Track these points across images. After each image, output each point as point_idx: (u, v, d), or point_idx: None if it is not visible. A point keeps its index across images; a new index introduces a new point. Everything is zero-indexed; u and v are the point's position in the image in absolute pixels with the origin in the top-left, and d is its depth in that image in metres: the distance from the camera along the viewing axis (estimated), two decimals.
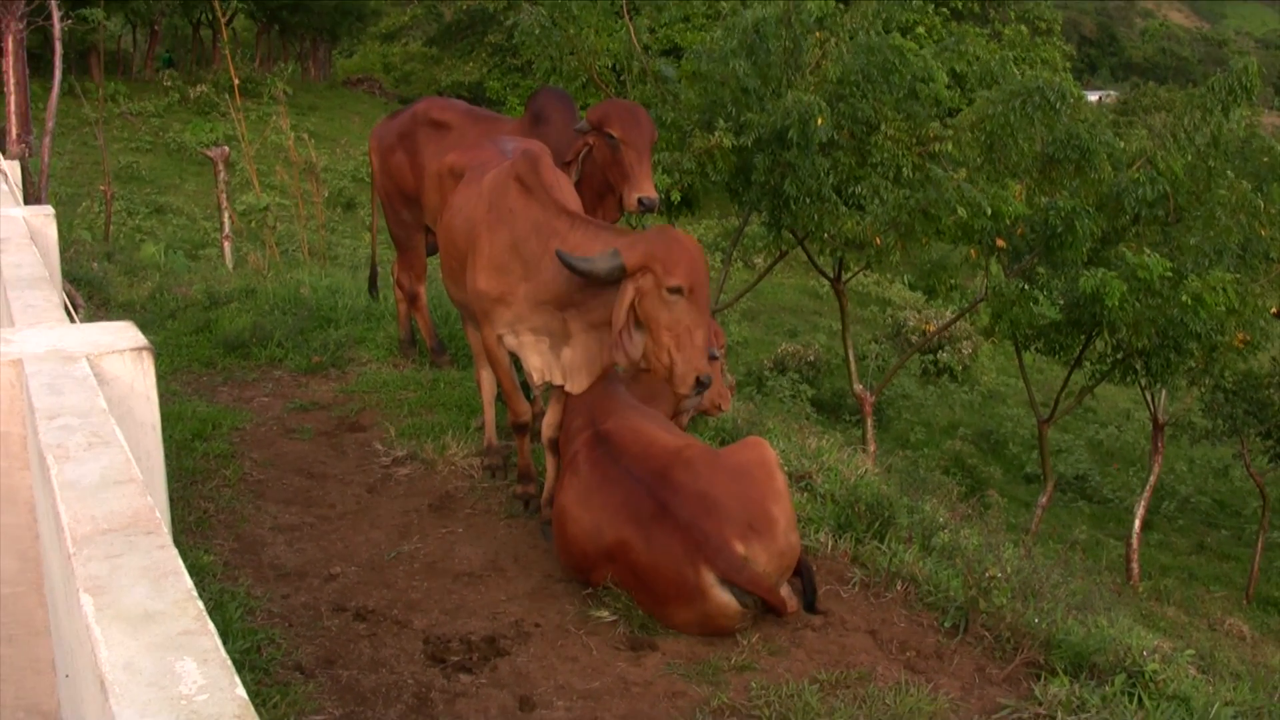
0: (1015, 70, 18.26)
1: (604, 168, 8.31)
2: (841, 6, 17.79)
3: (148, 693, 1.73)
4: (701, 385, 6.00)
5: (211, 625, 1.96)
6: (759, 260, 29.97)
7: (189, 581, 2.13)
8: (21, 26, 12.95)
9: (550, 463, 7.15)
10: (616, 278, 6.02)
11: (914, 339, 28.33)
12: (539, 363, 6.85)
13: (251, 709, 1.65)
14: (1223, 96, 17.60)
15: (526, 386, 7.53)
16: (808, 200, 16.32)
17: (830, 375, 27.33)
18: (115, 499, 2.53)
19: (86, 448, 2.88)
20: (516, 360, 7.12)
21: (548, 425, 7.14)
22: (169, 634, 1.93)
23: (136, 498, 2.55)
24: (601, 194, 8.51)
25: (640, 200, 8.08)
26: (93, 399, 3.31)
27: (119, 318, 7.33)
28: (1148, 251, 16.53)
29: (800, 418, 14.22)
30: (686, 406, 7.59)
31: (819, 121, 15.51)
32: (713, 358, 7.49)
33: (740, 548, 5.76)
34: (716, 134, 16.31)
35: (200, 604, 2.03)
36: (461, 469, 7.97)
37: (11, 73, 12.99)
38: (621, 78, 19.95)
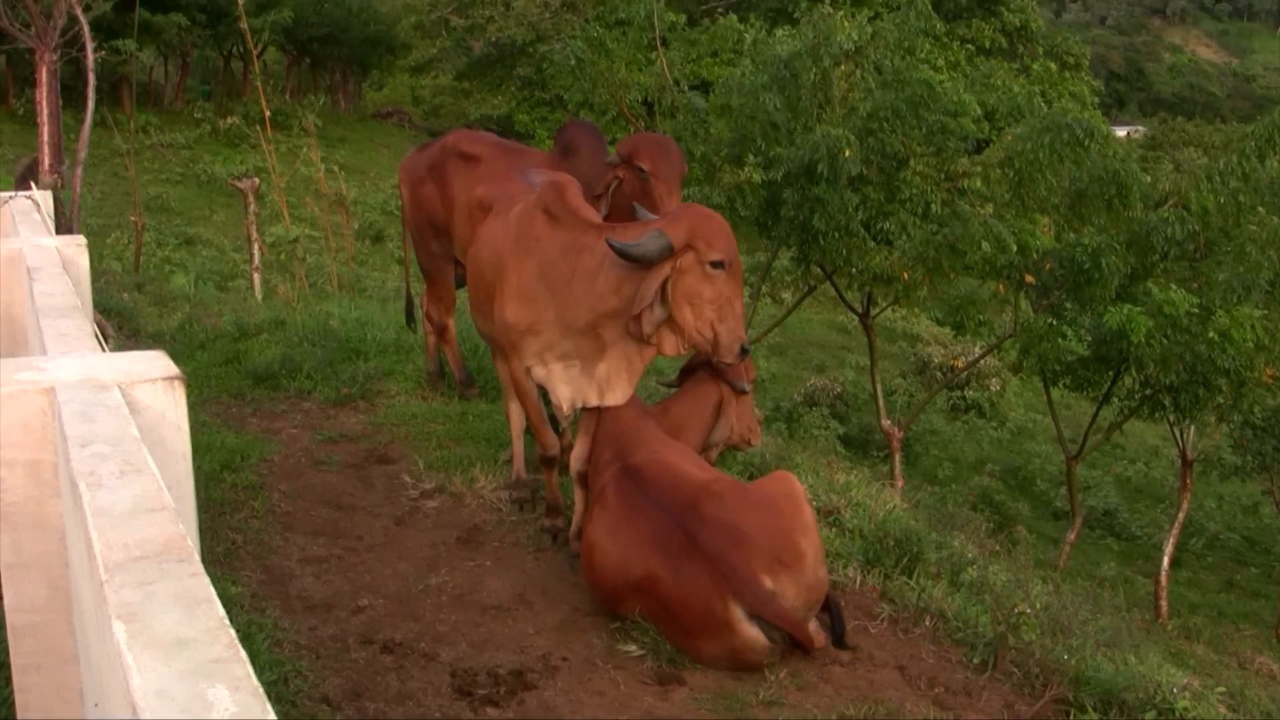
0: (1042, 103, 18.26)
1: (633, 200, 8.02)
2: (869, 37, 17.79)
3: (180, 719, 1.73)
4: (745, 352, 6.20)
5: (243, 653, 1.96)
6: (787, 295, 29.95)
7: (221, 609, 2.13)
8: (55, 58, 13.01)
9: (579, 495, 7.14)
10: (666, 256, 6.12)
11: (941, 375, 28.29)
12: (568, 392, 6.86)
13: None
14: (1261, 143, 17.55)
15: (555, 420, 7.53)
16: (836, 235, 16.33)
17: (858, 410, 27.28)
18: (147, 526, 2.53)
19: (119, 475, 2.89)
20: (544, 393, 7.13)
21: (575, 459, 7.13)
22: (201, 661, 1.92)
23: (168, 525, 2.55)
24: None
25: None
26: (125, 427, 3.31)
27: (149, 348, 7.35)
28: (1174, 288, 16.49)
29: (828, 453, 14.17)
30: (716, 440, 7.58)
31: (847, 154, 15.52)
32: (743, 391, 7.51)
33: (768, 581, 5.75)
34: (746, 169, 16.33)
35: (232, 631, 2.03)
36: (489, 502, 7.96)
37: (45, 103, 13.06)
38: (652, 111, 20.01)
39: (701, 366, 7.61)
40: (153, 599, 2.17)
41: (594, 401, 6.82)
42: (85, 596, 2.85)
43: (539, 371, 6.86)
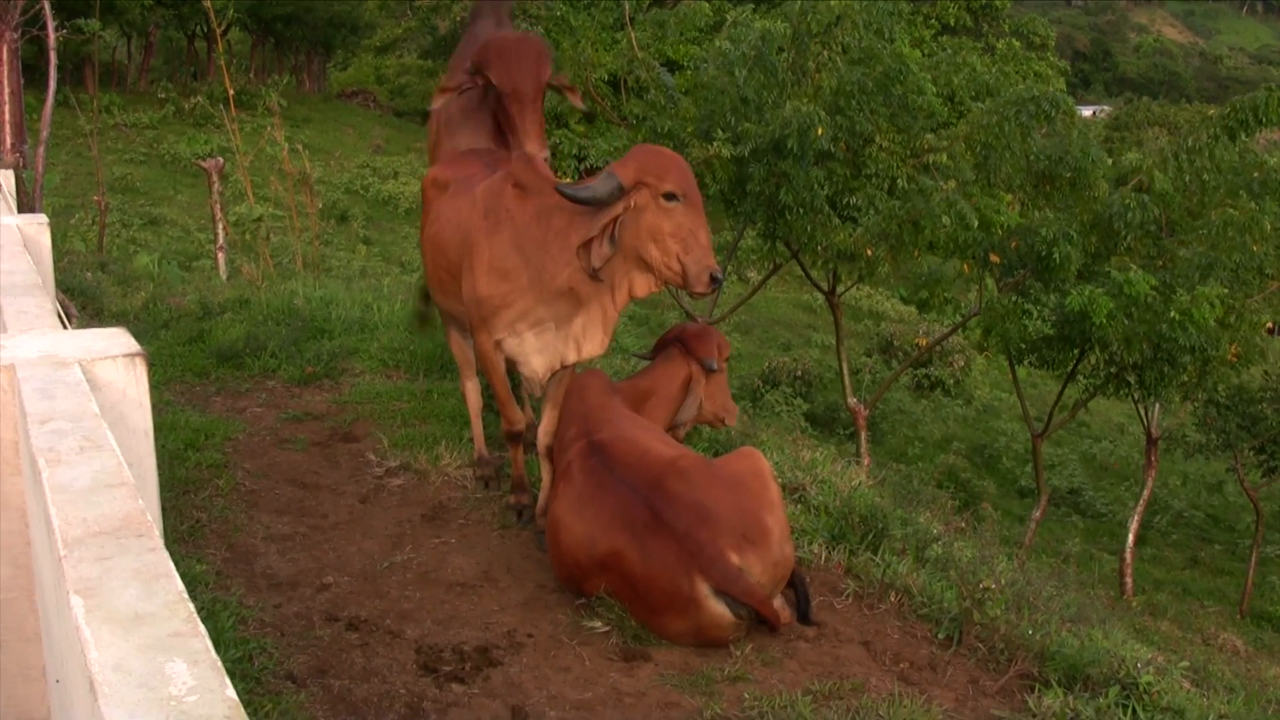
0: (1014, 81, 18.35)
1: (496, 118, 7.76)
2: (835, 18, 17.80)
3: (137, 694, 1.72)
4: (715, 281, 6.10)
5: (202, 627, 1.95)
6: (753, 274, 29.99)
7: (180, 584, 2.12)
8: (16, 36, 12.93)
9: (546, 471, 7.14)
10: (617, 197, 6.14)
11: (908, 352, 28.38)
12: (541, 361, 6.86)
13: (242, 710, 1.64)
14: (1234, 123, 17.60)
15: (519, 397, 7.52)
16: (801, 211, 16.34)
17: (824, 389, 27.34)
18: (106, 502, 2.52)
19: (78, 451, 2.87)
20: (511, 371, 7.12)
21: (543, 433, 7.13)
22: (159, 635, 1.92)
23: (128, 501, 2.54)
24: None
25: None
26: (85, 404, 3.30)
27: (112, 327, 7.32)
28: (1134, 268, 16.56)
29: (794, 430, 14.20)
30: (684, 419, 7.55)
31: (820, 131, 15.52)
32: (710, 369, 7.49)
33: (735, 558, 5.75)
34: (715, 144, 16.33)
35: (191, 606, 2.03)
36: (455, 479, 7.96)
37: (6, 82, 12.97)
38: (619, 89, 20.00)
39: (673, 342, 7.60)
40: (111, 574, 2.16)
41: (571, 358, 6.82)
42: (45, 573, 2.84)
43: (510, 343, 6.84)
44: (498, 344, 6.89)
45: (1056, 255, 15.92)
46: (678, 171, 6.16)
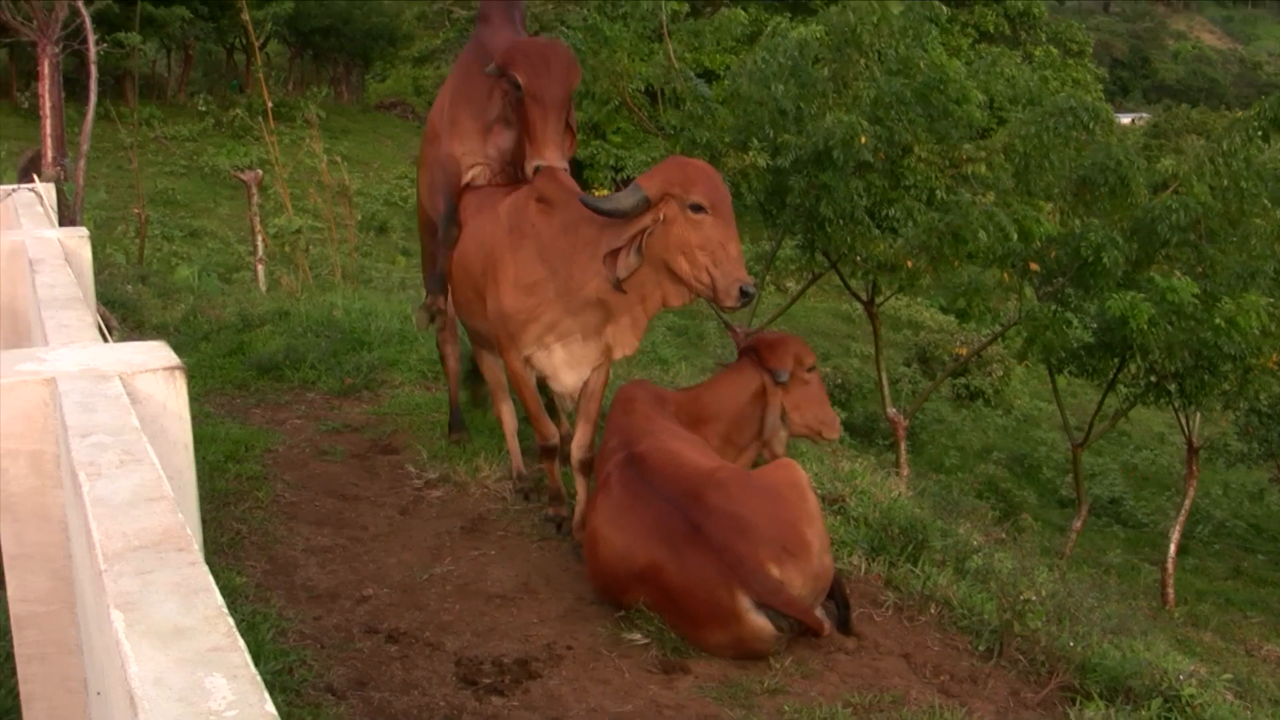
0: (1054, 88, 18.28)
1: (517, 121, 7.42)
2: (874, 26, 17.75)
3: (177, 708, 1.73)
4: (746, 295, 6.06)
5: (241, 642, 1.95)
6: (791, 284, 29.94)
7: (219, 598, 2.12)
8: (57, 50, 13.01)
9: (581, 485, 7.14)
10: (642, 210, 6.14)
11: (946, 361, 28.29)
12: (572, 375, 6.86)
13: None
14: (1264, 123, 17.49)
15: (554, 410, 7.52)
16: (842, 222, 16.31)
17: (862, 399, 27.27)
18: (146, 516, 2.53)
19: (118, 465, 2.88)
20: (542, 386, 7.13)
21: (577, 446, 7.12)
22: (199, 650, 1.92)
23: (167, 515, 2.55)
24: None
25: (537, 169, 7.06)
26: (125, 417, 3.31)
27: (152, 339, 7.34)
28: (1177, 274, 16.47)
29: (832, 441, 14.16)
30: (767, 435, 7.40)
31: (863, 140, 15.50)
32: (780, 381, 7.34)
33: (775, 570, 5.73)
34: (751, 154, 16.31)
35: (230, 621, 2.03)
36: (493, 491, 7.97)
37: (47, 96, 13.06)
38: (655, 99, 20.01)
39: (747, 352, 7.50)
40: (151, 588, 2.16)
41: (601, 360, 6.83)
42: (85, 586, 2.85)
43: (540, 357, 6.84)
44: (527, 360, 6.88)
45: (1105, 259, 15.82)
46: (705, 182, 6.14)
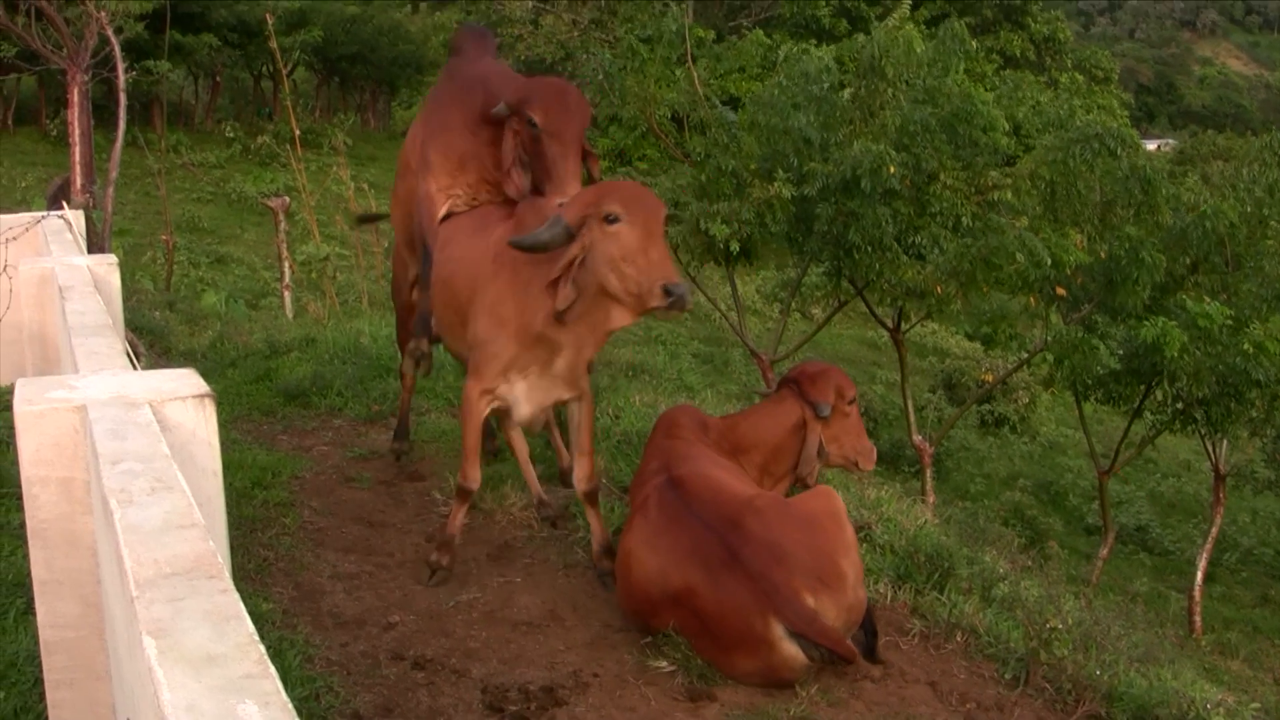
0: (1081, 115, 18.24)
1: (530, 159, 7.34)
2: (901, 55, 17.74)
3: None
4: (671, 294, 5.93)
5: (273, 669, 1.96)
6: (816, 311, 29.95)
7: (250, 625, 2.14)
8: (87, 78, 13.09)
9: (592, 516, 7.11)
10: (564, 240, 6.16)
11: (972, 388, 28.23)
12: (527, 409, 6.87)
13: None
14: None
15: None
16: (870, 249, 16.31)
17: (888, 425, 27.22)
18: (177, 543, 2.54)
19: (149, 492, 2.90)
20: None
21: (579, 479, 7.08)
22: (231, 677, 1.93)
23: (198, 542, 2.56)
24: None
25: (562, 205, 6.88)
26: (155, 444, 3.33)
27: (180, 366, 7.36)
28: (1207, 300, 16.44)
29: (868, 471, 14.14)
30: (805, 471, 7.36)
31: (891, 170, 15.51)
32: (822, 415, 7.33)
33: (810, 600, 5.72)
34: (775, 184, 16.32)
35: (262, 648, 2.04)
36: (519, 519, 7.96)
37: (77, 124, 13.13)
38: (681, 126, 20.05)
39: (788, 383, 7.48)
40: (183, 615, 2.18)
41: (565, 395, 6.85)
42: (116, 612, 2.87)
43: (503, 390, 6.83)
44: (488, 392, 6.86)
45: (1145, 258, 15.75)
46: (618, 194, 6.14)
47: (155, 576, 2.35)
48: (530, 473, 8.06)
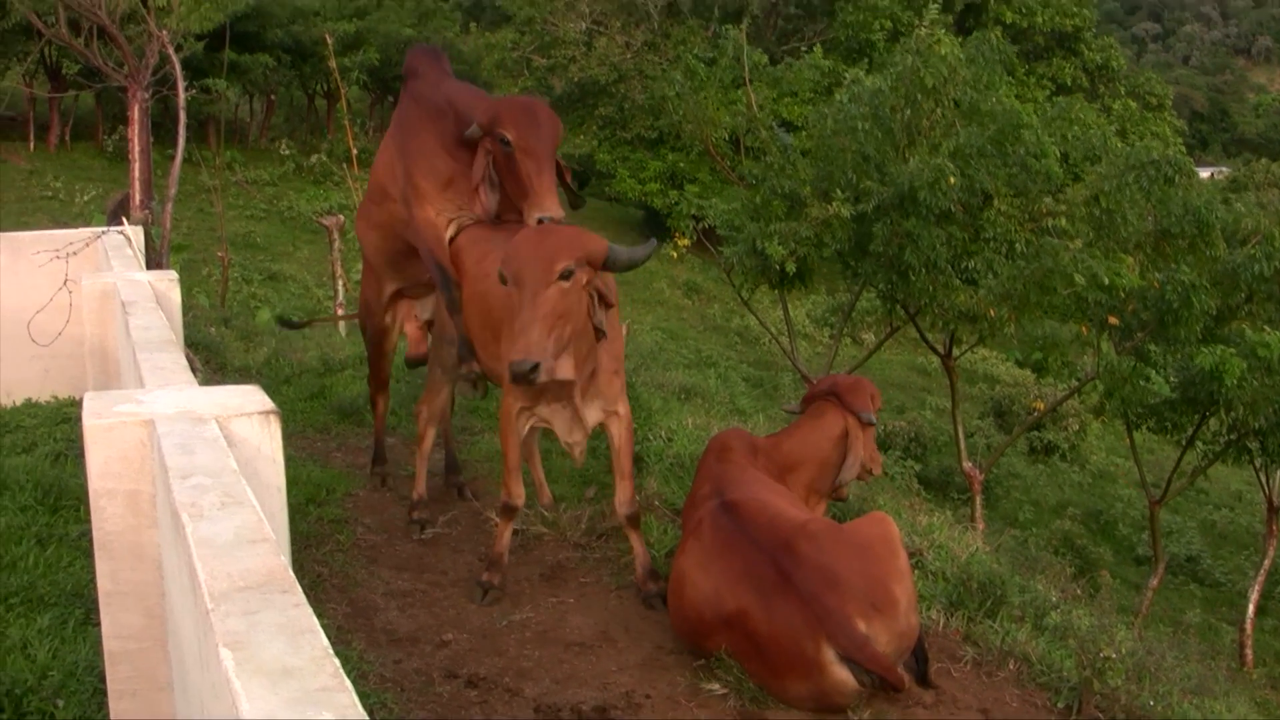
0: (1118, 143, 18.16)
1: (502, 178, 7.42)
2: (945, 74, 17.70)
3: None
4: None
5: (348, 683, 1.99)
6: (867, 336, 29.89)
7: (324, 639, 2.16)
8: (147, 96, 13.22)
9: (634, 539, 7.12)
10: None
11: (1022, 415, 28.11)
12: (558, 428, 6.91)
13: None
14: None
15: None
16: (925, 271, 16.28)
17: (937, 452, 27.12)
18: (250, 557, 2.57)
19: (220, 507, 2.94)
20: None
21: (620, 503, 7.08)
22: (307, 689, 1.96)
23: (270, 556, 2.60)
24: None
25: (540, 221, 7.04)
26: (223, 459, 3.37)
27: (235, 382, 7.41)
28: (1267, 329, 16.35)
29: (909, 494, 14.14)
30: (846, 478, 7.46)
31: (951, 181, 15.48)
32: (870, 423, 7.43)
33: (862, 625, 5.72)
34: (834, 203, 16.32)
35: (336, 661, 2.07)
36: (572, 540, 7.98)
37: (136, 141, 13.27)
38: (738, 148, 20.11)
39: (825, 395, 7.53)
40: (258, 628, 2.21)
41: (600, 414, 6.97)
42: (185, 625, 2.90)
43: (542, 408, 6.89)
44: (526, 410, 6.89)
45: (1195, 301, 15.70)
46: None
47: (229, 590, 2.39)
48: (539, 476, 8.16)
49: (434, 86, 8.14)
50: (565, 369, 6.36)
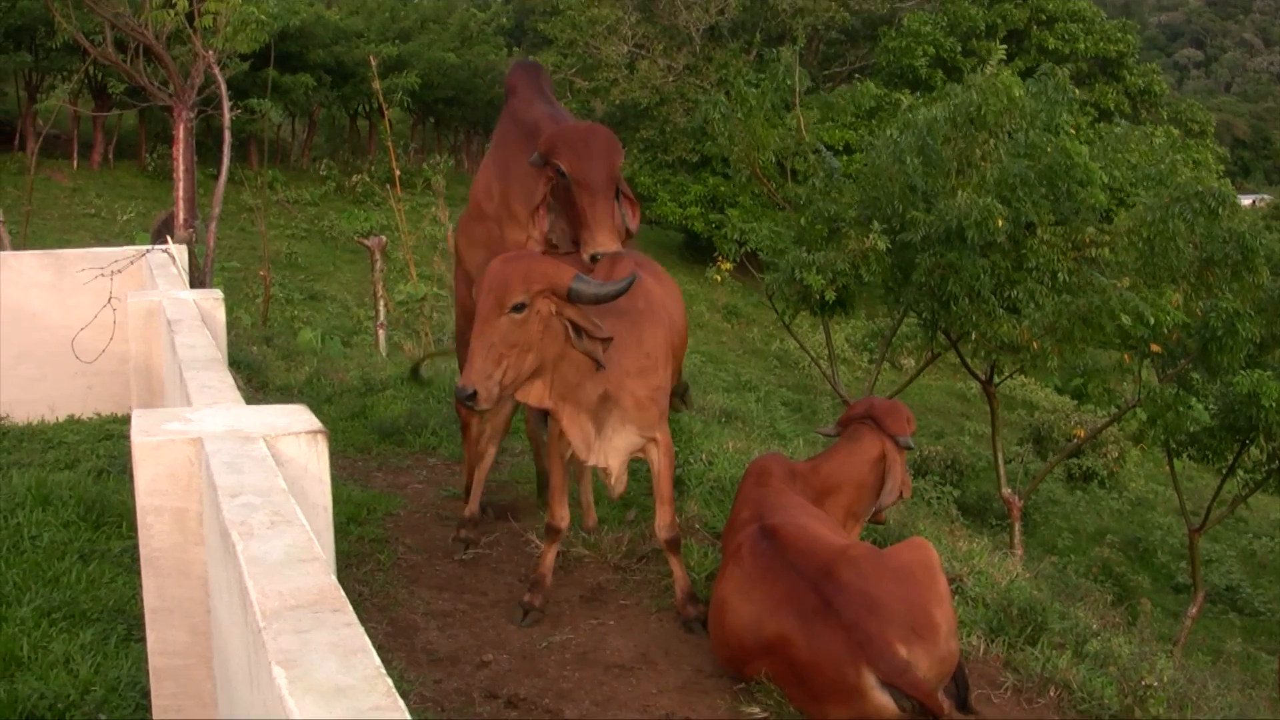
0: (1184, 170, 18.11)
1: (563, 207, 7.33)
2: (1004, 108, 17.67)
3: None
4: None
5: (401, 702, 2.00)
6: (907, 361, 29.83)
7: (377, 658, 2.18)
8: (192, 116, 13.31)
9: (674, 563, 7.12)
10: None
11: (1061, 442, 28.00)
12: (589, 454, 6.90)
13: None
14: None
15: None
16: (968, 301, 16.25)
17: (975, 478, 27.03)
18: (300, 576, 2.59)
19: (269, 526, 2.95)
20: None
21: (660, 527, 7.08)
22: (360, 708, 1.97)
23: (321, 575, 2.61)
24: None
25: (594, 257, 7.03)
26: (272, 479, 3.39)
27: (277, 401, 7.45)
28: None
29: (948, 520, 14.11)
30: (886, 502, 7.45)
31: (999, 223, 15.46)
32: (908, 446, 7.43)
33: (902, 651, 5.71)
34: (871, 237, 16.30)
35: (389, 681, 2.08)
36: (612, 561, 7.98)
37: (181, 160, 13.36)
38: (784, 171, 20.13)
39: (862, 419, 7.53)
40: (310, 647, 2.22)
41: (635, 439, 6.97)
42: (234, 642, 2.91)
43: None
44: (565, 432, 6.91)
45: (1240, 329, 15.62)
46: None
47: (280, 608, 2.40)
48: (589, 499, 8.19)
49: (528, 106, 8.16)
50: (527, 395, 6.46)
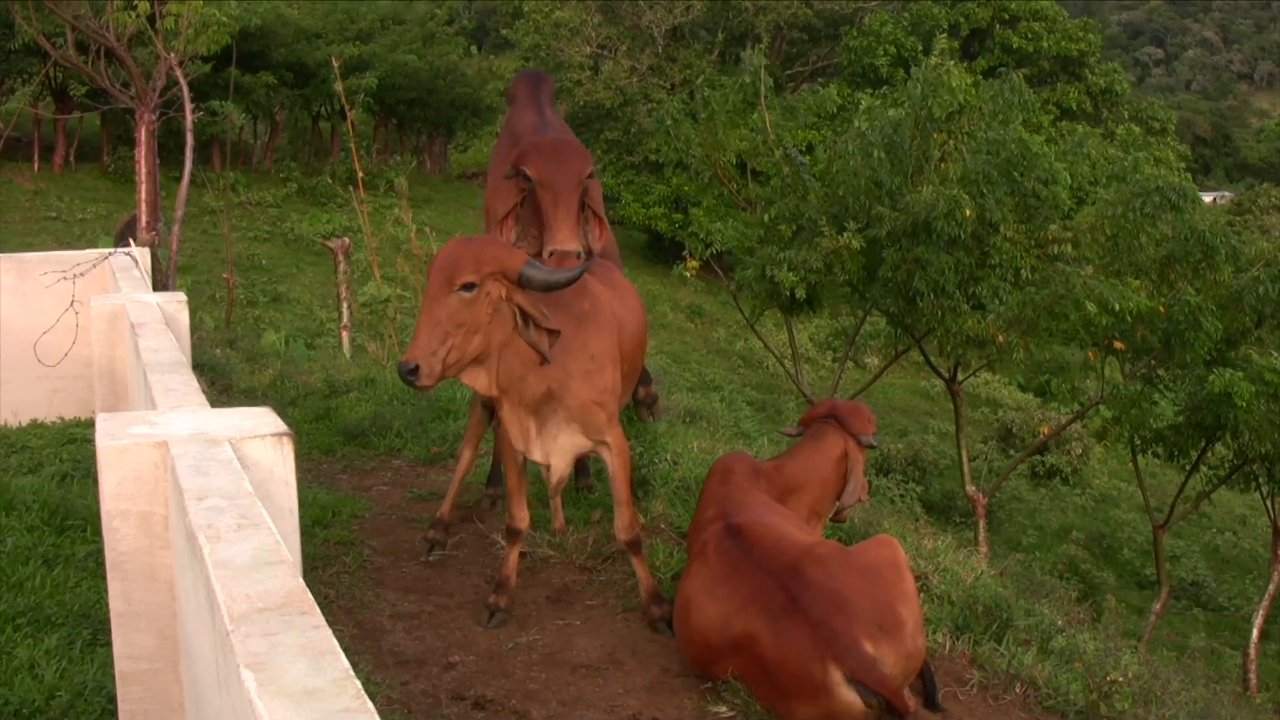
0: (1146, 169, 18.20)
1: (534, 218, 7.33)
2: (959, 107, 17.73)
3: None
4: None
5: (370, 704, 2.00)
6: (871, 360, 29.89)
7: (345, 661, 2.18)
8: (154, 118, 13.27)
9: (637, 564, 7.13)
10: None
11: (1026, 440, 28.12)
12: (539, 455, 6.92)
13: None
14: None
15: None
16: (934, 296, 16.30)
17: (939, 475, 27.13)
18: (268, 579, 2.59)
19: (236, 529, 2.95)
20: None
21: (619, 529, 7.08)
22: (330, 710, 1.97)
23: (289, 578, 2.61)
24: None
25: (553, 253, 6.97)
26: (238, 481, 3.38)
27: (242, 404, 7.43)
28: (1275, 355, 16.36)
29: (913, 518, 14.15)
30: (848, 502, 7.48)
31: (968, 213, 15.52)
32: (870, 446, 7.47)
33: (869, 647, 5.72)
34: (846, 235, 16.34)
35: (358, 683, 2.08)
36: (578, 562, 7.98)
37: (143, 163, 13.31)
38: (745, 172, 20.15)
39: (825, 418, 7.56)
40: (279, 650, 2.22)
41: (584, 443, 6.97)
42: (202, 646, 2.90)
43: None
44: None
45: (1205, 324, 15.71)
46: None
47: (248, 611, 2.40)
48: (557, 502, 8.16)
49: (520, 116, 8.26)
50: (473, 380, 6.47)
